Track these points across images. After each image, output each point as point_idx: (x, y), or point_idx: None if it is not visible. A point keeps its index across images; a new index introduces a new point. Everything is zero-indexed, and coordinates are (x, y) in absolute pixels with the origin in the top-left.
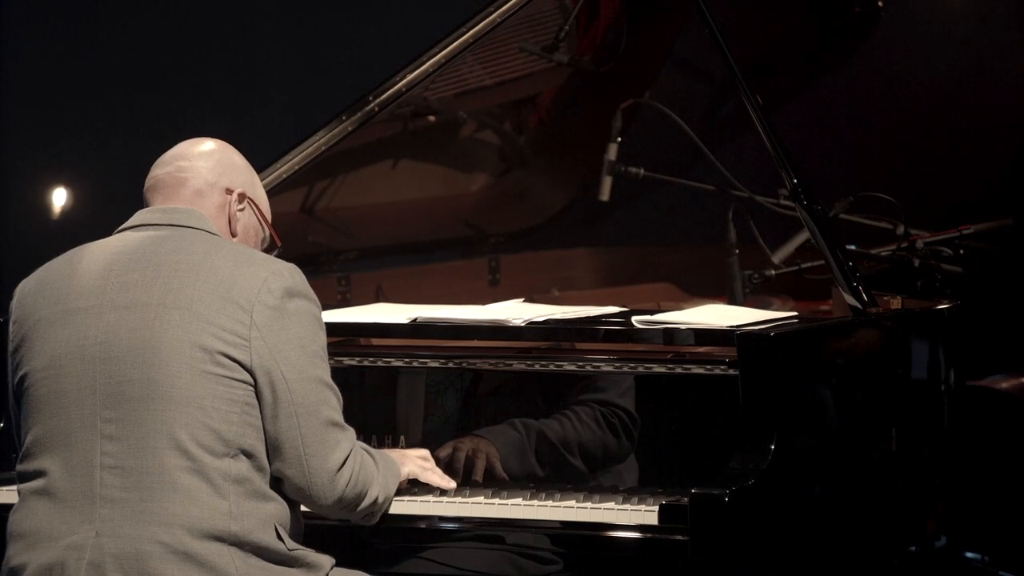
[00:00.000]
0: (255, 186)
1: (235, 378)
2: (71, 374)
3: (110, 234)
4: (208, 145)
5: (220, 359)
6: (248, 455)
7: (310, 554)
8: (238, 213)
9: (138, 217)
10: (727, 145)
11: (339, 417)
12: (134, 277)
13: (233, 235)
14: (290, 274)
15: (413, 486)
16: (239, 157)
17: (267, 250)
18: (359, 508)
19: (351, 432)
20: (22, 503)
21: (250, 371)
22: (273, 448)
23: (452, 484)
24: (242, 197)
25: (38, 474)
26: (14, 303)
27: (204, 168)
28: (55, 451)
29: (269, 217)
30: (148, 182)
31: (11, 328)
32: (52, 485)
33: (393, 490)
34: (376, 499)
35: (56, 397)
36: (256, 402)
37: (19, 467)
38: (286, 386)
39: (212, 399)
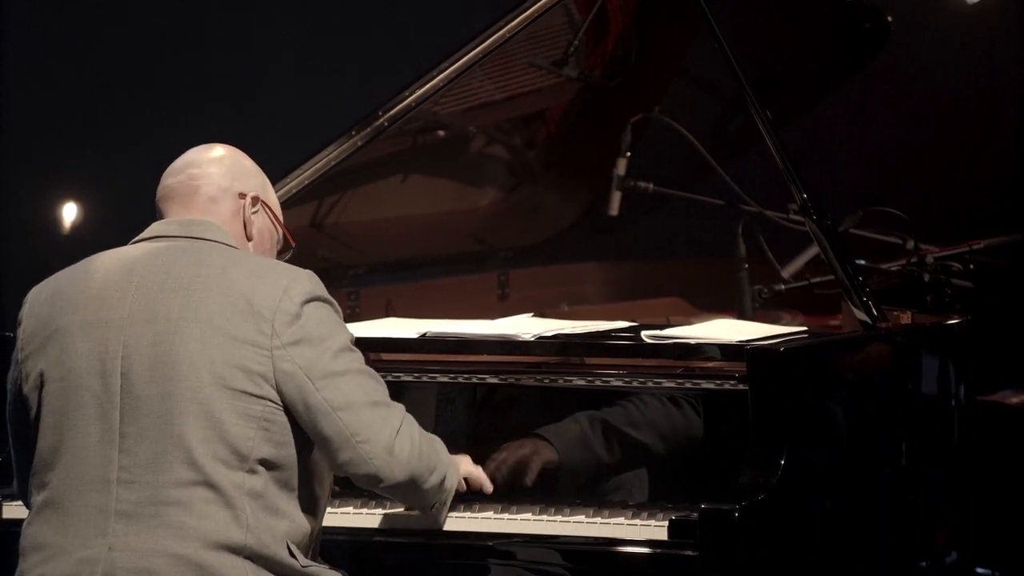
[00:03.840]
0: (266, 188)
1: (254, 393)
2: (90, 388)
3: (121, 243)
4: (218, 151)
5: (240, 374)
6: (264, 470)
7: (323, 570)
8: (252, 217)
9: (154, 229)
10: (737, 160)
11: (380, 396)
12: (153, 291)
13: (249, 239)
14: (308, 279)
15: None
16: (249, 161)
17: (281, 251)
18: (430, 481)
19: (398, 406)
20: (36, 516)
21: (274, 385)
22: (330, 450)
23: (490, 487)
24: (255, 200)
25: (52, 487)
26: (25, 310)
27: (216, 174)
28: (71, 465)
29: (281, 218)
30: (160, 191)
31: (22, 335)
32: (66, 498)
33: (455, 482)
34: (444, 478)
35: (74, 410)
36: (276, 418)
37: (35, 478)
38: (313, 387)
39: (230, 413)
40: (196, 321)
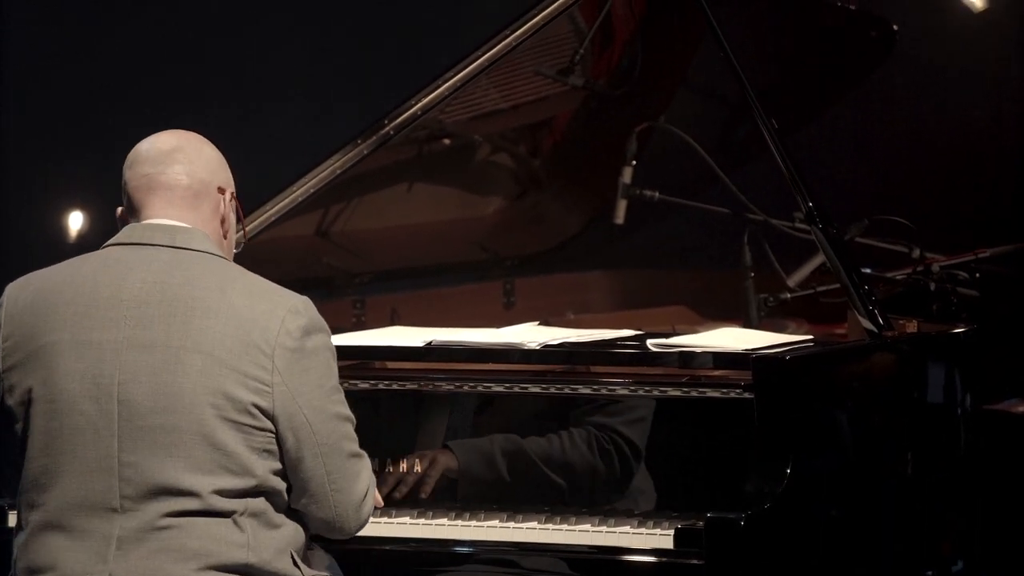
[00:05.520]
0: (231, 179)
1: (256, 426)
2: (85, 412)
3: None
4: (190, 139)
5: (243, 407)
6: (266, 494)
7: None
8: (229, 214)
9: (136, 234)
10: (742, 168)
11: (357, 446)
12: (149, 312)
13: (224, 237)
14: (305, 309)
15: (428, 509)
16: (214, 149)
17: (237, 241)
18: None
19: (367, 458)
20: (32, 537)
21: (271, 417)
22: (299, 488)
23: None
24: (232, 196)
25: (48, 509)
26: (3, 316)
27: (197, 167)
28: (68, 488)
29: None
30: (135, 180)
31: (2, 343)
32: (65, 523)
33: None
34: None
35: (69, 434)
36: (276, 448)
37: (25, 496)
38: (309, 428)
39: (235, 444)
40: (198, 351)
